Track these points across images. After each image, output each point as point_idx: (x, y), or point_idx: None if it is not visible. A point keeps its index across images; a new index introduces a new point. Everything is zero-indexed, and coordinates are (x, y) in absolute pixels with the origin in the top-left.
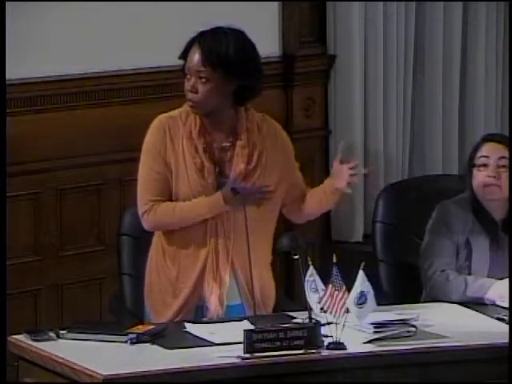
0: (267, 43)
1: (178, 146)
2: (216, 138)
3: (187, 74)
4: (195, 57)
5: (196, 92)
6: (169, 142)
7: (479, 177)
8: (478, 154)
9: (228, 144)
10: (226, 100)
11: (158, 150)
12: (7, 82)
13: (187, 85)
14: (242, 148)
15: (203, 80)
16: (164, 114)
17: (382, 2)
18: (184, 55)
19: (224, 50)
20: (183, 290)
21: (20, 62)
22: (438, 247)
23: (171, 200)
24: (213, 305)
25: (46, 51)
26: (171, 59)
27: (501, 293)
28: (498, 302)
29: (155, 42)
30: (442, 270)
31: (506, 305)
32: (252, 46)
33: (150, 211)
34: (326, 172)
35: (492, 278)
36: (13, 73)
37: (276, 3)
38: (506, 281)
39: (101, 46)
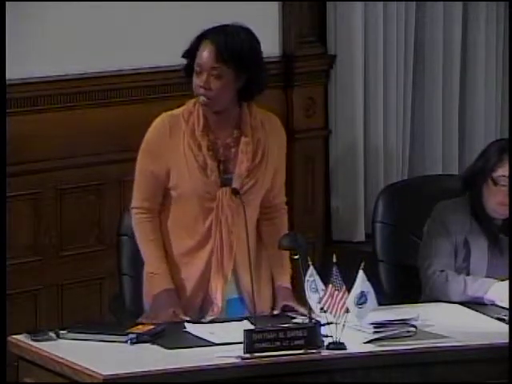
0: (267, 43)
1: (179, 144)
2: (220, 135)
3: (198, 70)
4: (208, 53)
5: (210, 89)
6: (170, 140)
7: (499, 195)
8: (501, 172)
9: (232, 141)
10: (235, 96)
11: (157, 148)
12: (7, 82)
13: (198, 81)
14: (246, 145)
15: (216, 76)
16: (166, 113)
17: (382, 2)
18: (190, 52)
19: (237, 46)
20: (187, 288)
21: (20, 62)
22: (437, 247)
23: (163, 199)
24: (218, 301)
25: (46, 51)
26: (171, 59)
27: (501, 294)
28: (497, 303)
29: (155, 42)
30: (442, 270)
31: (506, 305)
32: (258, 42)
33: (138, 213)
34: (325, 172)
35: (490, 278)
36: (13, 73)
37: (276, 3)
38: (506, 282)
39: (101, 45)
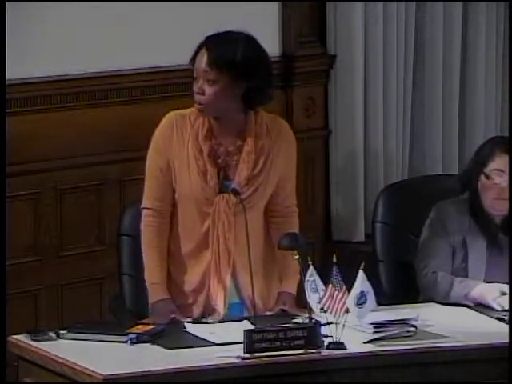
0: (267, 43)
1: (183, 146)
2: (223, 141)
3: (194, 76)
4: (203, 59)
5: (203, 93)
6: (175, 139)
7: (492, 190)
8: (493, 166)
9: (234, 148)
10: (235, 103)
11: (163, 147)
12: (7, 82)
13: (195, 87)
14: (248, 154)
15: (210, 82)
16: (175, 111)
17: (382, 2)
18: (193, 59)
19: (231, 52)
20: (188, 290)
21: (20, 62)
22: (434, 248)
23: (173, 197)
24: (220, 307)
25: (46, 51)
26: (171, 59)
27: (482, 292)
28: (478, 301)
29: (155, 42)
30: (434, 272)
31: (489, 305)
32: (261, 50)
33: (148, 215)
34: (325, 172)
35: (489, 279)
36: (13, 73)
37: (276, 3)
38: (492, 284)
39: (101, 45)
